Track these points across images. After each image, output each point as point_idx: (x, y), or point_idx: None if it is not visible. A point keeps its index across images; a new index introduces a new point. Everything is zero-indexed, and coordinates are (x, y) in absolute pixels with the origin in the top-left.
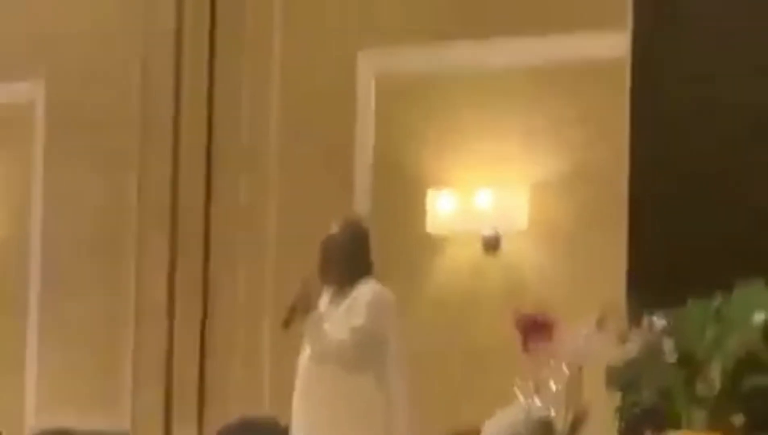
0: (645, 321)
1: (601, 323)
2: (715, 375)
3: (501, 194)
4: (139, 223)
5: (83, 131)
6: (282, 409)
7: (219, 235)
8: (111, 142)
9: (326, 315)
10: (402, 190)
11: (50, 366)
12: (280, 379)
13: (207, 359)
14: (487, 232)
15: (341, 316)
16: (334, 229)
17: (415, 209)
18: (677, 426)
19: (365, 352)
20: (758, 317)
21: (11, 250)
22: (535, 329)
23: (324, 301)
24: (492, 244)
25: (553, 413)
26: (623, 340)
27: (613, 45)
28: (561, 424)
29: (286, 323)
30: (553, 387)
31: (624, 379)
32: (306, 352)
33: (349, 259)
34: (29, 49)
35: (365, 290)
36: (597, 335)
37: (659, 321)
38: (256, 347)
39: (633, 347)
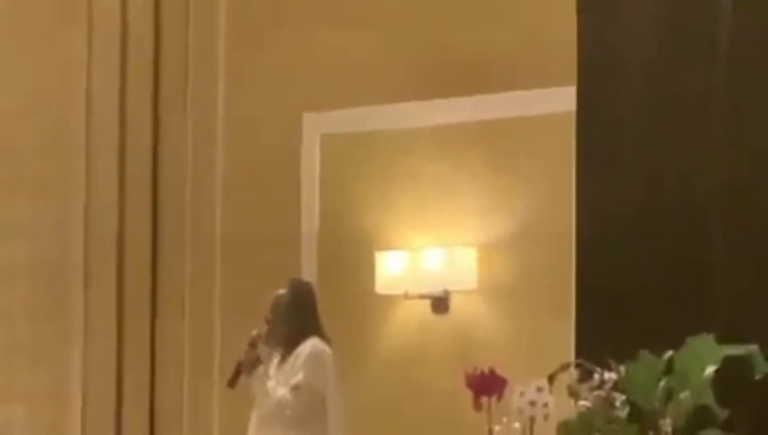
0: (596, 376)
1: (552, 379)
2: (667, 429)
3: (450, 254)
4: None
5: None
6: None
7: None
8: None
9: (274, 376)
10: (350, 251)
11: None
12: None
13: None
14: (436, 292)
15: (285, 374)
16: (281, 290)
17: (364, 270)
18: None
19: (306, 409)
20: (709, 371)
21: None
22: (487, 387)
23: (273, 363)
24: (441, 304)
25: None
26: (575, 395)
27: (560, 100)
28: None
29: (232, 382)
30: None
31: (576, 434)
32: (254, 413)
33: (294, 319)
34: None
35: (305, 348)
36: (549, 391)
37: (610, 375)
38: (204, 406)
39: (584, 402)
